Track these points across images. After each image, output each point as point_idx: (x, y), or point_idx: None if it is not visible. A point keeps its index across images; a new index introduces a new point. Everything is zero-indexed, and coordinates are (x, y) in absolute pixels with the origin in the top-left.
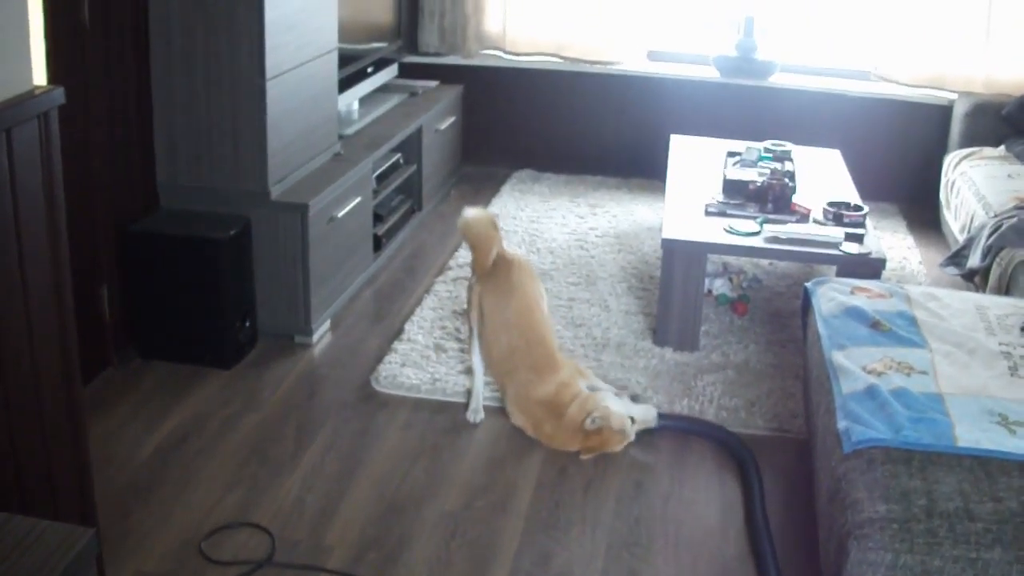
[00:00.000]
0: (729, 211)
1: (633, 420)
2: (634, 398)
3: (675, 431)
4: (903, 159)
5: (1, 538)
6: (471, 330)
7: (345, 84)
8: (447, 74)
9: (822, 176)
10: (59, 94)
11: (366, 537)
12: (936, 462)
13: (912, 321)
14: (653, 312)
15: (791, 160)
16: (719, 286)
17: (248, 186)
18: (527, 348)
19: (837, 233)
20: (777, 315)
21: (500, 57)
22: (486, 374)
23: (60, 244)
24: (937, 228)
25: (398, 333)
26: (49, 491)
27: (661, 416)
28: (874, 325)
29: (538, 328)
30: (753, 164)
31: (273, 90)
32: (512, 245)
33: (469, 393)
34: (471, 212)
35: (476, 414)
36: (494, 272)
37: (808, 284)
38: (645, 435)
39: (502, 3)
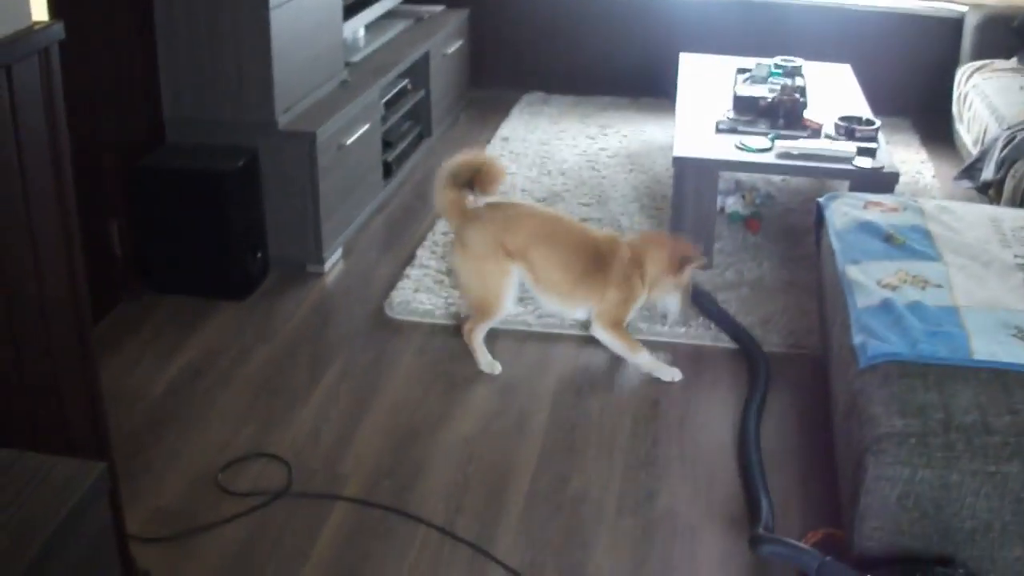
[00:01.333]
0: (740, 128)
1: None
2: None
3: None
4: (915, 73)
5: (11, 476)
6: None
7: (350, 11)
8: None
9: (833, 91)
10: (59, 29)
11: (382, 464)
12: (952, 375)
13: (926, 234)
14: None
15: (802, 76)
16: (732, 203)
17: (255, 117)
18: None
19: (849, 148)
20: (790, 231)
21: None
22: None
23: (65, 182)
24: (950, 141)
25: (410, 259)
26: (62, 429)
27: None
28: (888, 239)
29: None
30: (763, 80)
31: (277, 19)
32: (524, 167)
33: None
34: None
35: (492, 366)
36: (503, 212)
37: (821, 199)
38: (661, 354)
39: None
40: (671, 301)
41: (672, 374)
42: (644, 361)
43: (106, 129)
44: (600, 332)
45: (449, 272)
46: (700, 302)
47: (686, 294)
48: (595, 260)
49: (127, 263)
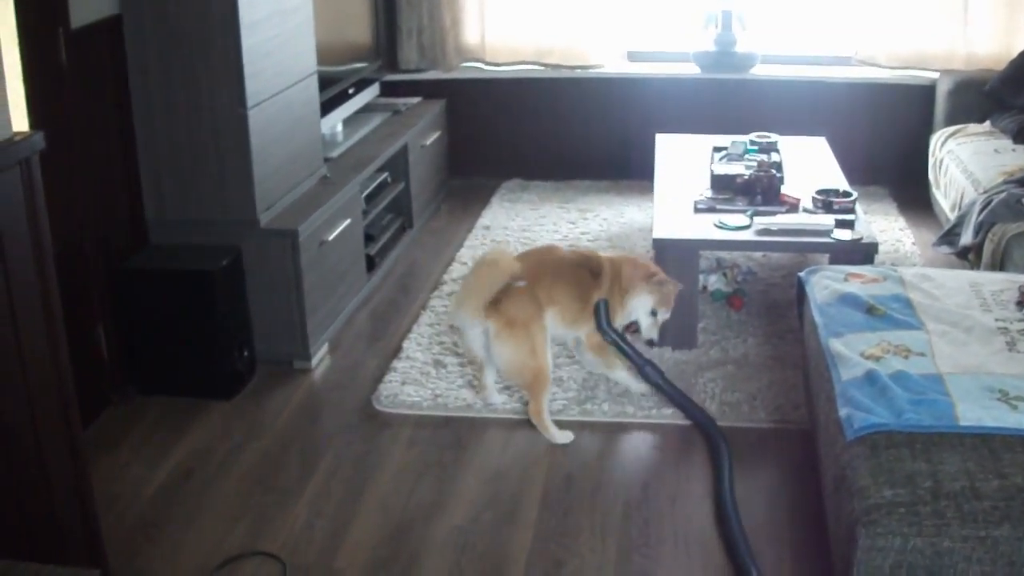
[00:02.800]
0: (718, 206)
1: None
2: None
3: (664, 395)
4: (890, 141)
5: None
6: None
7: (327, 107)
8: (429, 89)
9: (809, 165)
10: (39, 139)
11: (377, 557)
12: (939, 443)
13: (907, 303)
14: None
15: (777, 151)
16: (714, 282)
17: (237, 215)
18: None
19: (827, 221)
20: (773, 307)
21: (481, 68)
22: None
23: (50, 290)
24: (928, 208)
25: (396, 351)
26: (55, 536)
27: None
28: (869, 310)
29: None
30: (739, 158)
31: (255, 118)
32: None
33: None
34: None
35: (566, 436)
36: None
37: (801, 274)
38: (649, 435)
39: (479, 14)
40: (643, 315)
41: (640, 388)
42: (621, 377)
43: (89, 233)
44: (588, 355)
45: (475, 365)
46: (647, 375)
47: (661, 316)
48: (591, 276)
49: (114, 365)
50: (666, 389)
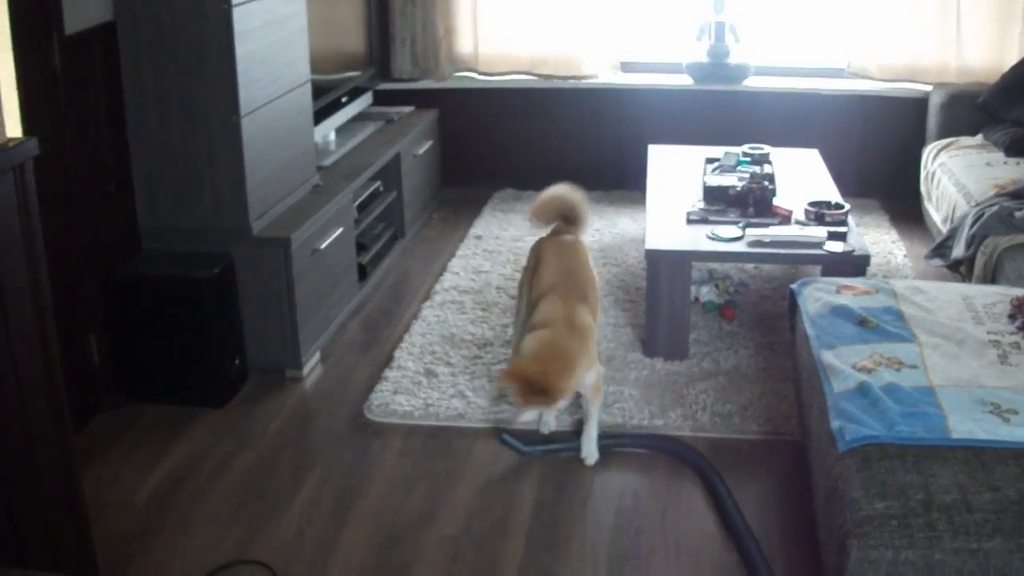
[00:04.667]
0: (711, 218)
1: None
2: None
3: (631, 447)
4: (882, 154)
5: None
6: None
7: (320, 115)
8: (422, 98)
9: (802, 176)
10: (33, 145)
11: (368, 567)
12: (931, 455)
13: (899, 316)
14: (641, 323)
15: (770, 163)
16: (706, 293)
17: (229, 223)
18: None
19: (820, 233)
20: (765, 318)
21: (474, 78)
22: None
23: (43, 296)
24: (920, 221)
25: (388, 361)
26: (46, 543)
27: (611, 436)
28: (861, 322)
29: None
30: (732, 169)
31: (248, 126)
32: (498, 264)
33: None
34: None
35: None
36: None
37: (793, 285)
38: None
39: (472, 24)
40: None
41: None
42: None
43: (82, 239)
44: None
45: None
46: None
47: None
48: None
49: (106, 372)
50: (616, 443)
